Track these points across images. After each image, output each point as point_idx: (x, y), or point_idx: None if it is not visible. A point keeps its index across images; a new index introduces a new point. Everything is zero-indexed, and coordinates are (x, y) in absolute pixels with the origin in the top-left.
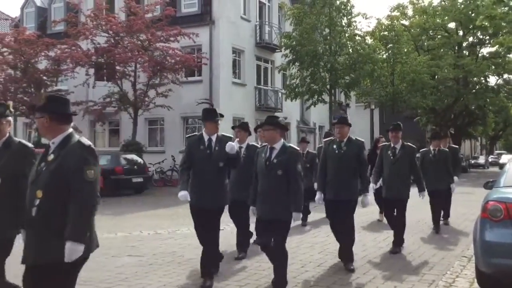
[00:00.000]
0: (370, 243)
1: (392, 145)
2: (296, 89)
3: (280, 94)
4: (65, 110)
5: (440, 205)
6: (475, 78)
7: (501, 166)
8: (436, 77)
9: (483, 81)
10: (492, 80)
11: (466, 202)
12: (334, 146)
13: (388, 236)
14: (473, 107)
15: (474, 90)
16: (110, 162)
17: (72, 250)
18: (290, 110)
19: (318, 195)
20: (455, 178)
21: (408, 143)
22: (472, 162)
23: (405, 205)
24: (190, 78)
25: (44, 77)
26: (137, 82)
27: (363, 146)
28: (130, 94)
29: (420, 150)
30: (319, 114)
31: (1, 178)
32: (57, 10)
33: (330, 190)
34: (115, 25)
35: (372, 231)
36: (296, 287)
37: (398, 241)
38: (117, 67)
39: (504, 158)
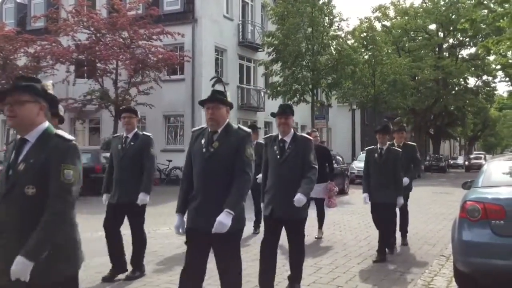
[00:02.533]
0: (351, 242)
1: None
2: (278, 88)
3: (262, 93)
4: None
5: (389, 223)
6: (454, 80)
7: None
8: (416, 78)
9: (463, 82)
10: (472, 82)
11: (445, 202)
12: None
13: (369, 235)
14: (452, 108)
15: (453, 92)
16: (90, 160)
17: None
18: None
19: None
20: (405, 179)
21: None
22: (451, 162)
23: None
24: (172, 77)
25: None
26: (118, 80)
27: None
28: (111, 91)
29: (365, 148)
30: (301, 114)
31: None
32: (37, 6)
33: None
34: (97, 21)
35: (353, 230)
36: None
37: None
38: (98, 64)
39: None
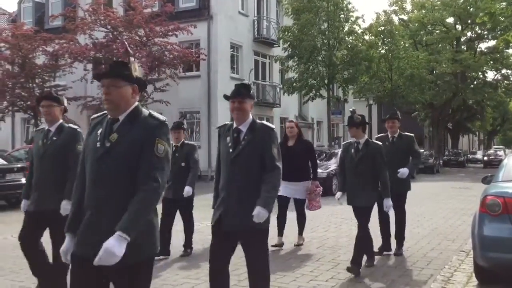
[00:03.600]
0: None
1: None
2: (294, 84)
3: (278, 89)
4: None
5: (361, 229)
6: (473, 73)
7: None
8: (434, 72)
9: (481, 76)
10: (490, 75)
11: (464, 197)
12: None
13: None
14: (471, 102)
15: (472, 85)
16: None
17: None
18: (288, 105)
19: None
20: (403, 170)
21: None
22: (470, 157)
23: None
24: (188, 73)
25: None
26: None
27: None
28: None
29: (343, 143)
30: (317, 109)
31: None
32: (55, 5)
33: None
34: (113, 19)
35: (371, 225)
36: (294, 281)
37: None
38: None
39: None
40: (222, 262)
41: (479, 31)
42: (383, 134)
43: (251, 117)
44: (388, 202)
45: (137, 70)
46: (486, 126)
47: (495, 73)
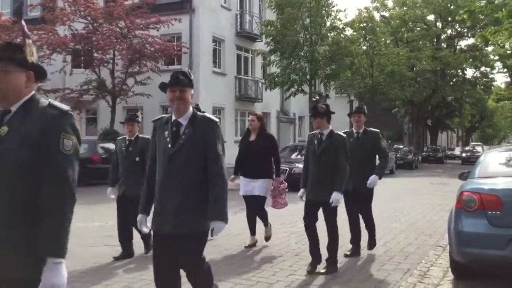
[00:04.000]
0: (347, 233)
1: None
2: (276, 79)
3: (260, 84)
4: None
5: (329, 227)
6: (452, 71)
7: None
8: (414, 69)
9: (461, 73)
10: (469, 73)
11: (442, 193)
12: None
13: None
14: (450, 99)
15: (451, 82)
16: (87, 151)
17: None
18: (270, 100)
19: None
20: (372, 178)
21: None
22: (449, 153)
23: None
24: (170, 67)
25: None
26: (115, 70)
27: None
28: (108, 82)
29: (308, 134)
30: (299, 105)
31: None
32: None
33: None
34: (93, 11)
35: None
36: (273, 276)
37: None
38: (95, 54)
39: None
40: (169, 268)
41: (459, 29)
42: (347, 130)
43: (191, 109)
44: (337, 196)
45: (34, 55)
46: (464, 123)
47: (474, 70)
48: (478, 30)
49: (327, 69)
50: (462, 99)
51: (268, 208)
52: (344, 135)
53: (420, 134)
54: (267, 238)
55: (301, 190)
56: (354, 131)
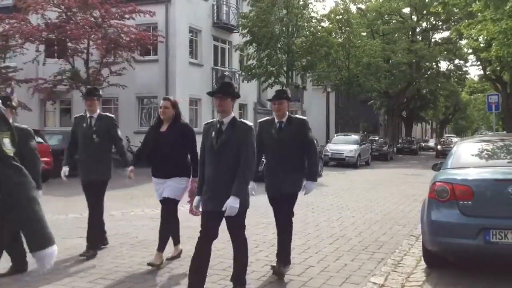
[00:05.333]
0: (323, 223)
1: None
2: (253, 70)
3: (237, 75)
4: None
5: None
6: (427, 63)
7: None
8: (390, 61)
9: (435, 66)
10: (444, 65)
11: (416, 184)
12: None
13: (341, 216)
14: (424, 92)
15: (426, 75)
16: (61, 142)
17: None
18: (247, 92)
19: None
20: (308, 185)
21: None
22: (423, 145)
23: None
24: (146, 57)
25: None
26: (89, 60)
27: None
28: (82, 72)
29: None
30: None
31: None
32: None
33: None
34: None
35: (326, 211)
36: (249, 266)
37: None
38: (69, 44)
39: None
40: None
41: (434, 22)
42: (268, 118)
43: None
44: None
45: None
46: (438, 115)
47: (448, 63)
48: (453, 24)
49: (304, 61)
50: (437, 91)
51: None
52: (304, 117)
53: (395, 126)
54: (173, 258)
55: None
56: (276, 120)
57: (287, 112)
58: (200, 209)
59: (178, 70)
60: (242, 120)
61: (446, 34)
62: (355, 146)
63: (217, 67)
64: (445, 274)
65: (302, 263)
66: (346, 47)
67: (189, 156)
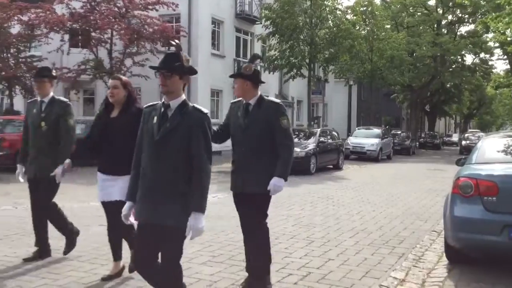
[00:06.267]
0: (344, 216)
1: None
2: (275, 62)
3: (259, 67)
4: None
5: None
6: (452, 57)
7: None
8: (414, 54)
9: (460, 59)
10: (469, 59)
11: (438, 179)
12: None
13: (361, 209)
14: (449, 85)
15: (451, 69)
16: (84, 131)
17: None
18: (269, 84)
19: None
20: (275, 182)
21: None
22: (446, 139)
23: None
24: (168, 48)
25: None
26: (113, 50)
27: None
28: (105, 62)
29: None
30: (297, 88)
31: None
32: None
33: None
34: None
35: (346, 205)
36: None
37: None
38: (93, 34)
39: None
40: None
41: (460, 15)
42: (240, 99)
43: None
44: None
45: None
46: (462, 110)
47: (474, 57)
48: (479, 16)
49: (326, 53)
50: (461, 85)
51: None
52: (277, 100)
53: (418, 120)
54: (111, 276)
55: (126, 206)
56: (243, 101)
57: (256, 93)
58: (133, 220)
59: (200, 61)
60: (195, 105)
61: (472, 27)
62: (376, 140)
63: (239, 59)
64: (467, 270)
65: (322, 256)
66: (369, 39)
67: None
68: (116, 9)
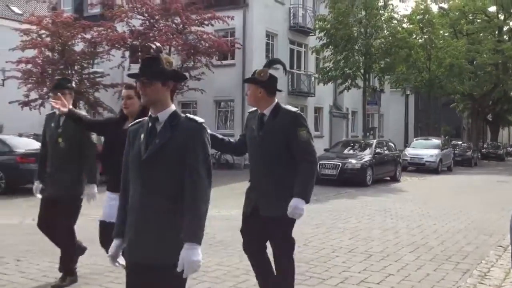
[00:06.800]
0: (403, 230)
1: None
2: (329, 73)
3: (313, 78)
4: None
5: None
6: None
7: None
8: (474, 62)
9: None
10: None
11: (503, 191)
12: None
13: (421, 223)
14: None
15: None
16: None
17: None
18: (323, 95)
19: None
20: (295, 203)
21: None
22: (510, 150)
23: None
24: (223, 62)
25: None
26: None
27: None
28: None
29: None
30: (352, 99)
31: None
32: None
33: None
34: (150, 7)
35: (405, 218)
36: (326, 271)
37: None
38: (152, 50)
39: None
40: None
41: None
42: (254, 108)
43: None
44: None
45: None
46: None
47: None
48: None
49: (382, 63)
50: None
51: None
52: (295, 109)
53: (479, 130)
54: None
55: (113, 245)
56: (259, 111)
57: (271, 102)
58: (122, 262)
59: None
60: (188, 115)
61: None
62: (436, 151)
63: (293, 70)
64: None
65: (382, 271)
66: (427, 48)
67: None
68: (173, 25)
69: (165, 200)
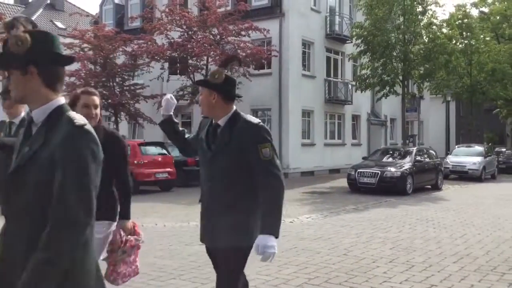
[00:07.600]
0: (446, 240)
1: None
2: (367, 80)
3: (350, 86)
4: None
5: None
6: None
7: None
8: None
9: None
10: None
11: None
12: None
13: (465, 233)
14: None
15: None
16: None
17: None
18: (360, 102)
19: None
20: (262, 240)
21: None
22: None
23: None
24: (260, 71)
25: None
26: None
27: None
28: None
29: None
30: (390, 106)
31: None
32: (134, 7)
33: None
34: (188, 20)
35: (448, 227)
36: (367, 282)
37: None
38: (190, 61)
39: None
40: None
41: None
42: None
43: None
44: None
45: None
46: None
47: None
48: None
49: (421, 69)
50: None
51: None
52: (257, 120)
53: None
54: None
55: None
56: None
57: (228, 110)
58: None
59: (291, 82)
60: (72, 113)
61: None
62: (479, 158)
63: (330, 78)
64: None
65: (424, 282)
66: (467, 53)
67: (115, 183)
68: (211, 36)
69: (27, 222)
